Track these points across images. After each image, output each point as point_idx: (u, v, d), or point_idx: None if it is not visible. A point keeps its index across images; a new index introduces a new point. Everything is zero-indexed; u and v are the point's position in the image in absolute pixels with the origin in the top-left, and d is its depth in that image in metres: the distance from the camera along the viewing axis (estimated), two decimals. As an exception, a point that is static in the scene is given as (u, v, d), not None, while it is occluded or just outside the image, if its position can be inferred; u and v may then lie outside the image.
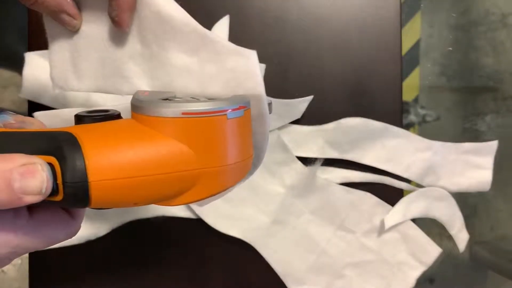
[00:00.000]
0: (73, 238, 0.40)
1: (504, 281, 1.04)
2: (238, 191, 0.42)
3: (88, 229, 0.41)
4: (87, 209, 0.41)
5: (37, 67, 0.40)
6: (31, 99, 0.41)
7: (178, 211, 0.42)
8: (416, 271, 0.42)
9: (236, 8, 0.43)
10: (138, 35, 0.25)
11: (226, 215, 0.41)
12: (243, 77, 0.22)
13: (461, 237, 0.44)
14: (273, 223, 0.42)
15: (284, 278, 0.42)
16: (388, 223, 0.41)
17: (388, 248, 0.42)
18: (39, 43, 0.40)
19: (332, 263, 0.42)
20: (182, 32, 0.24)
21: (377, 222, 0.42)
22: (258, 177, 0.42)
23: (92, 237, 0.41)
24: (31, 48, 0.41)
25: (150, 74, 0.25)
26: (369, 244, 0.42)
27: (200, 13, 0.43)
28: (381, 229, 0.42)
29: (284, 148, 0.41)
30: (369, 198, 0.42)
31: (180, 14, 0.24)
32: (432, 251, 0.42)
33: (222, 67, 0.23)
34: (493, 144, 0.43)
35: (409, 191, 0.44)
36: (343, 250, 0.42)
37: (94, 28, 0.26)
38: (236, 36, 0.43)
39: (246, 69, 0.22)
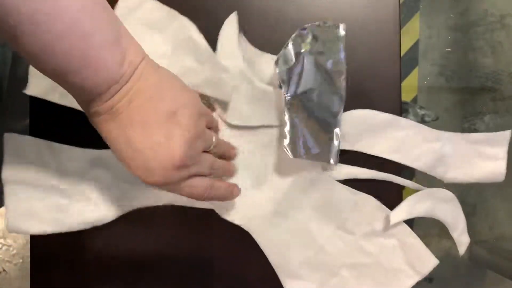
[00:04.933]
0: (78, 222, 0.40)
1: (503, 280, 1.04)
2: (245, 179, 0.42)
3: (94, 213, 0.40)
4: (94, 193, 0.41)
5: None
6: (37, 95, 0.39)
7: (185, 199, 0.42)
8: (411, 280, 0.42)
9: (236, 8, 0.43)
10: None
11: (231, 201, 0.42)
12: None
13: (462, 241, 0.44)
14: (275, 213, 0.42)
15: (278, 269, 0.42)
16: (393, 220, 0.41)
17: (386, 253, 0.42)
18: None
19: (328, 261, 0.42)
20: None
21: (377, 226, 0.42)
22: (264, 167, 0.42)
23: (98, 222, 0.40)
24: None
25: None
26: (368, 247, 0.42)
27: (200, 13, 0.43)
28: (380, 234, 0.42)
29: None
30: (372, 201, 0.42)
31: None
32: (429, 261, 0.42)
33: None
34: (506, 134, 0.42)
35: (412, 190, 0.44)
36: (341, 249, 0.42)
37: None
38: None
39: None
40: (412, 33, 1.19)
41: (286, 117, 0.40)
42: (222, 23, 0.43)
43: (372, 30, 0.44)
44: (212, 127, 0.37)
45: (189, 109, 0.30)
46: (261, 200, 0.42)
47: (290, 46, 0.41)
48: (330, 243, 0.42)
